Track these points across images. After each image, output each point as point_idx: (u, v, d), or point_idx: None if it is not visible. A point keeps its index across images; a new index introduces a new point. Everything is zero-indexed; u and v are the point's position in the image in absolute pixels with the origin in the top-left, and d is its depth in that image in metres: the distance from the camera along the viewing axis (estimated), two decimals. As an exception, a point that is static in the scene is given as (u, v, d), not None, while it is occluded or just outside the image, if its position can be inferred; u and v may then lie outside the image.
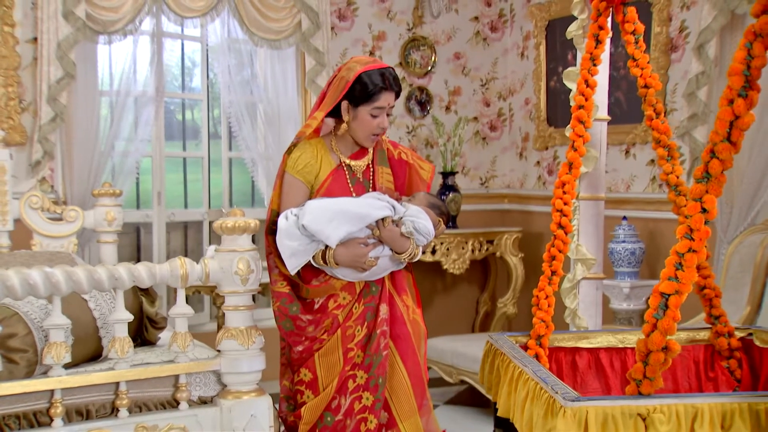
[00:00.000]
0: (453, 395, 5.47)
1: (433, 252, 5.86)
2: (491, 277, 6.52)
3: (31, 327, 2.59)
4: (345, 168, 3.02)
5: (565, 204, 3.26)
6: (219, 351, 2.78)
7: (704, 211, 2.09)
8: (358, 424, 2.92)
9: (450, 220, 6.13)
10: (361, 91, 2.87)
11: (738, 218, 4.50)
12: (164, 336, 3.11)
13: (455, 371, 5.19)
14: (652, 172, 5.31)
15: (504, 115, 6.65)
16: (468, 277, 6.43)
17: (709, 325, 3.26)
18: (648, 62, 3.32)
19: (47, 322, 2.44)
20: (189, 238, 6.05)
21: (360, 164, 3.06)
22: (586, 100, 3.28)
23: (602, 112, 3.53)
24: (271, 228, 2.97)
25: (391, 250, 2.95)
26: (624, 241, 5.08)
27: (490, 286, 6.53)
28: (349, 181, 3.03)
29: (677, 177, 3.31)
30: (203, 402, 2.75)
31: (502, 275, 6.43)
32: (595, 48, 3.27)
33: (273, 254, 2.94)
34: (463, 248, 5.95)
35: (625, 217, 5.18)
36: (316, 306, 2.93)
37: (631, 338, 3.27)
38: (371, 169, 3.08)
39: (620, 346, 3.26)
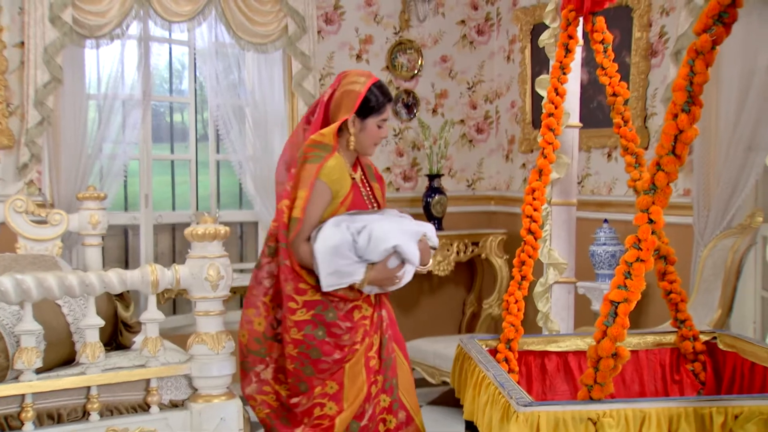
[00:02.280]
0: (436, 396, 5.53)
1: (418, 254, 5.91)
2: (477, 279, 6.58)
3: (2, 332, 2.64)
4: (359, 182, 3.09)
5: (535, 210, 3.32)
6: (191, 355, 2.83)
7: (651, 221, 2.14)
8: (377, 425, 3.01)
9: (436, 221, 6.19)
10: (373, 102, 2.97)
11: (714, 221, 4.54)
12: (139, 340, 3.16)
13: (437, 372, 5.25)
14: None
15: (490, 118, 6.71)
16: (454, 279, 6.49)
17: (675, 329, 3.32)
18: (617, 71, 3.39)
19: (18, 328, 2.50)
20: (177, 240, 6.11)
21: (358, 177, 3.12)
22: (556, 108, 3.34)
23: (574, 119, 3.59)
24: (296, 238, 2.88)
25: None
26: (605, 244, 5.13)
27: (476, 287, 6.59)
28: (364, 195, 3.09)
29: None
30: (174, 405, 2.80)
31: (488, 277, 6.48)
32: (565, 57, 3.33)
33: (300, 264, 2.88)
34: (447, 250, 6.01)
35: (606, 220, 5.24)
36: (343, 313, 2.93)
37: (574, 342, 3.34)
38: (366, 185, 3.14)
39: (559, 350, 3.32)
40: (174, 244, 6.11)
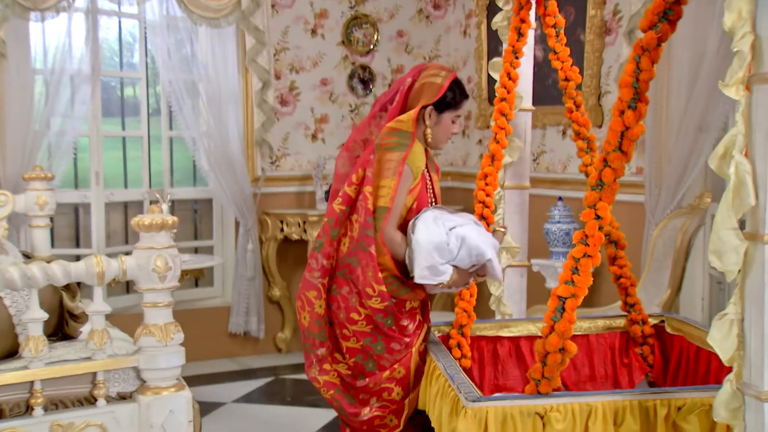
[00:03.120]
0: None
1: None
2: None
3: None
4: (425, 172, 3.04)
5: (488, 195, 3.31)
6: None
7: (598, 217, 2.15)
8: None
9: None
10: (450, 97, 2.95)
11: (665, 200, 4.60)
12: (86, 330, 3.10)
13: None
14: (588, 154, 5.39)
15: (447, 93, 6.66)
16: (410, 255, 6.48)
17: (625, 313, 3.35)
18: (571, 50, 3.38)
19: (-43, 324, 2.43)
20: (129, 218, 6.00)
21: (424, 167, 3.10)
22: (508, 92, 3.32)
23: (527, 102, 3.58)
24: (387, 226, 2.83)
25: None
26: (559, 222, 5.16)
27: (432, 263, 6.58)
28: (428, 186, 3.05)
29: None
30: (122, 398, 2.76)
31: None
32: (518, 41, 3.31)
33: (389, 255, 2.83)
34: (404, 227, 5.99)
35: (560, 198, 5.26)
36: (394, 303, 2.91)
37: (525, 327, 3.36)
38: (428, 176, 3.08)
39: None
40: (126, 223, 6.00)
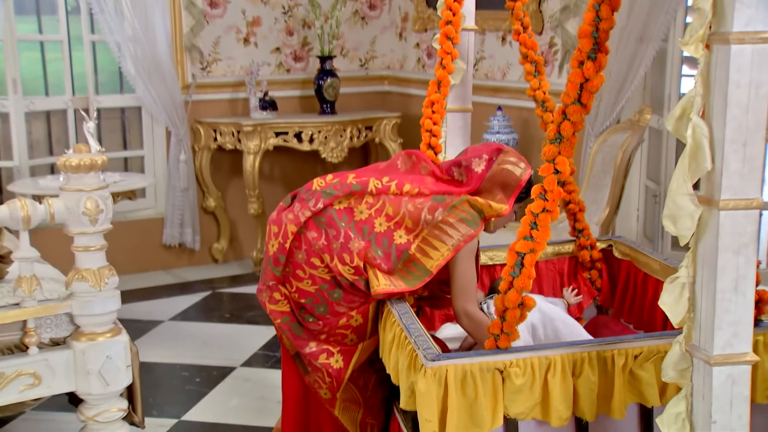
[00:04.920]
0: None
1: (311, 141, 5.76)
2: (371, 163, 6.50)
3: None
4: None
5: (435, 124, 3.22)
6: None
7: (557, 172, 2.08)
8: None
9: (328, 105, 6.01)
10: (521, 192, 2.90)
11: (605, 112, 4.60)
12: (14, 270, 2.95)
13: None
14: (528, 62, 5.29)
15: (384, -7, 6.43)
16: (348, 165, 6.35)
17: (574, 238, 3.36)
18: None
19: None
20: (53, 128, 5.71)
21: None
22: (454, 15, 3.17)
23: (470, 21, 3.43)
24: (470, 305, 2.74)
25: None
26: (498, 132, 5.12)
27: (369, 170, 6.51)
28: None
29: (544, 93, 3.30)
30: (56, 344, 2.66)
31: (382, 161, 6.40)
32: (463, -42, 3.13)
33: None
34: (341, 136, 5.87)
35: (500, 107, 5.19)
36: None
37: (500, 255, 3.34)
38: None
39: (489, 263, 3.33)
40: (50, 132, 5.71)
